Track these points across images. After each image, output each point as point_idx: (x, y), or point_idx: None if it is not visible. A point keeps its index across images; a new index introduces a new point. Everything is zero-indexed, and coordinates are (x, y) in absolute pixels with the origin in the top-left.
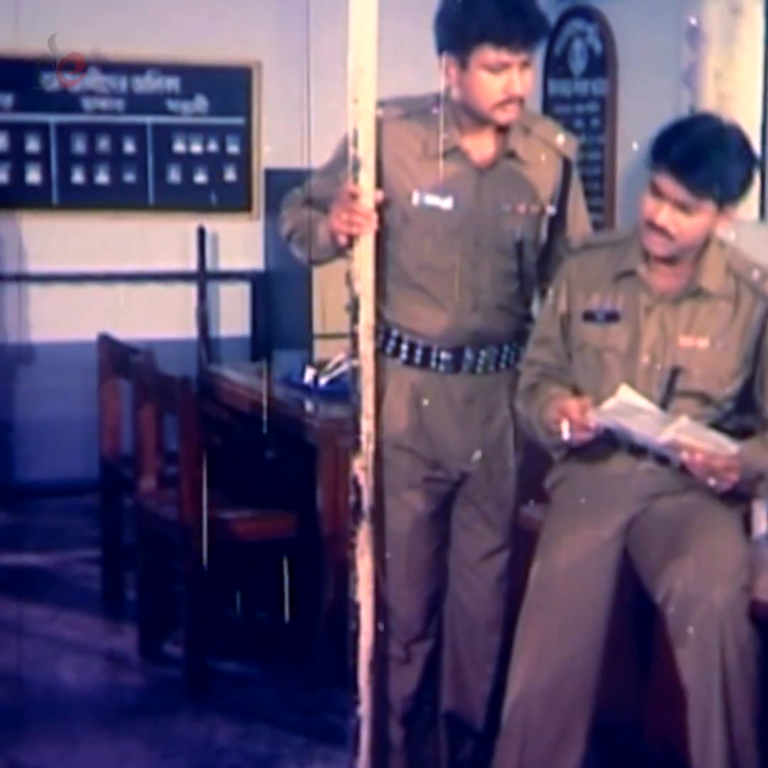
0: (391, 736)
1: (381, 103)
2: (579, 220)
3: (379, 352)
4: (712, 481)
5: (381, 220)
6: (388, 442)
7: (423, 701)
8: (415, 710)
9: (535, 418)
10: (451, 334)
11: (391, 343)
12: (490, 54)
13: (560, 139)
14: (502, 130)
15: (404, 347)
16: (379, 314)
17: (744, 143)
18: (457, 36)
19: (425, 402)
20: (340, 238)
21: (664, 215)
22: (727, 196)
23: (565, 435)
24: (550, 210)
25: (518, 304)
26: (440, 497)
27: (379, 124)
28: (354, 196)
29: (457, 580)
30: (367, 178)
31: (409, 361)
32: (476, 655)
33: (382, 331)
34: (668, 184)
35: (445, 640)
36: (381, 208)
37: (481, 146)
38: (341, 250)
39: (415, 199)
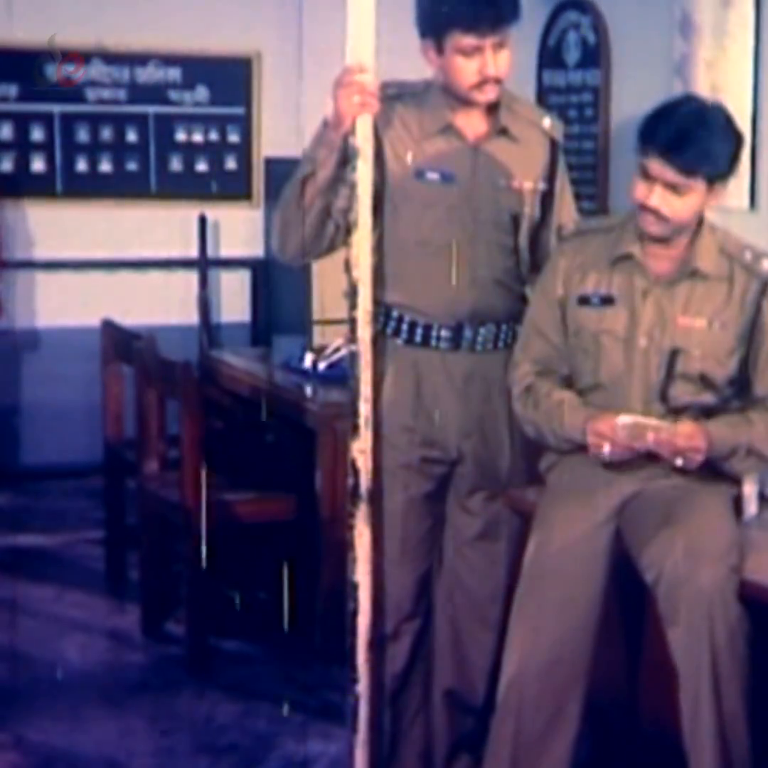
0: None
1: None
2: (565, 204)
3: (379, 334)
4: (679, 461)
5: (381, 198)
6: (388, 422)
7: (410, 682)
8: (402, 690)
9: (545, 426)
10: (449, 309)
11: (392, 323)
12: (460, 39)
13: (546, 121)
14: (492, 108)
15: (404, 327)
16: (377, 298)
17: (728, 121)
18: (430, 22)
19: (425, 380)
20: (346, 122)
21: (656, 197)
22: (715, 173)
23: (607, 457)
24: (542, 186)
25: (514, 281)
26: (436, 478)
27: None
28: (361, 70)
29: (456, 557)
30: (365, 167)
31: (409, 340)
32: (477, 630)
33: (382, 312)
34: (657, 166)
35: (441, 618)
36: (381, 185)
37: (473, 124)
38: (341, 160)
39: (414, 174)
